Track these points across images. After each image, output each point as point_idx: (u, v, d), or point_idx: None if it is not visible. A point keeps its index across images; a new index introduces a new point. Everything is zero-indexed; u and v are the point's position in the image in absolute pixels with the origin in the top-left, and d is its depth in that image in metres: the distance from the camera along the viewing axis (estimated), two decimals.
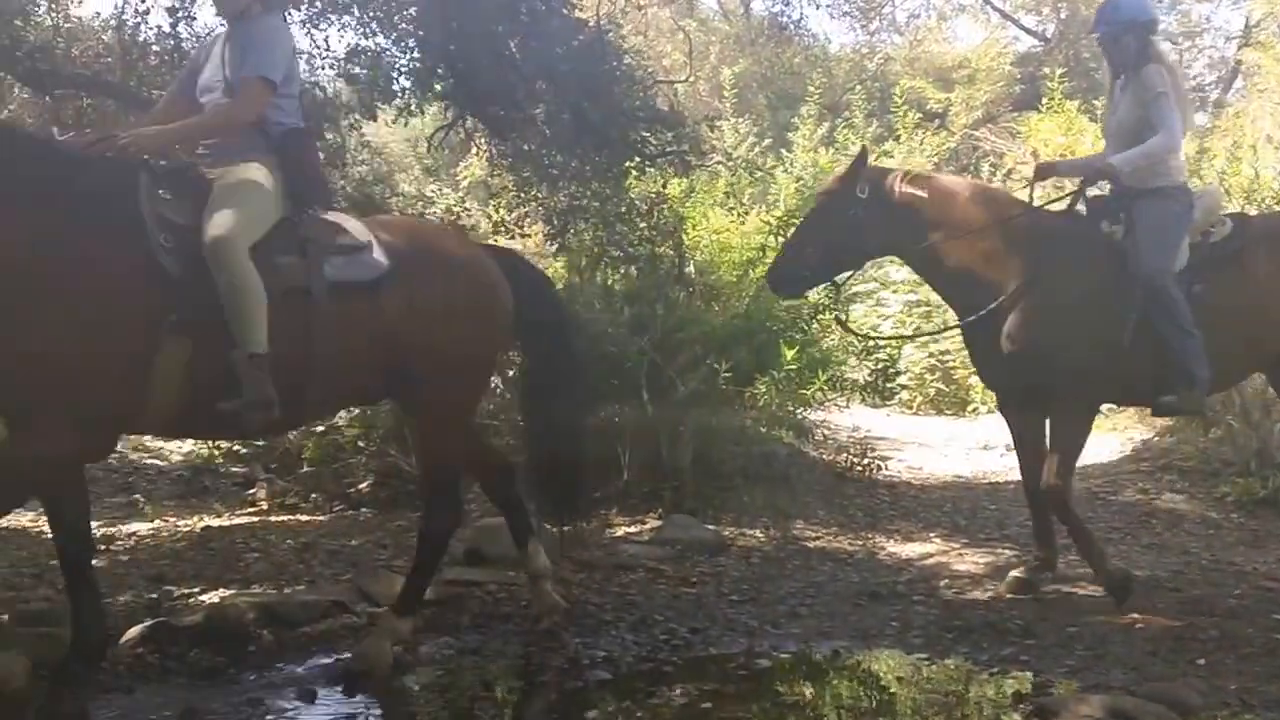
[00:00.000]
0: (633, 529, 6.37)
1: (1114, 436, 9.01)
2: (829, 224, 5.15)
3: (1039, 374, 4.86)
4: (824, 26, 39.20)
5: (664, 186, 9.29)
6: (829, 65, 20.40)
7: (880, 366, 12.23)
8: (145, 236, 3.49)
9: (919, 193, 5.07)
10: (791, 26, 13.61)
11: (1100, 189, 5.06)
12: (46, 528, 6.47)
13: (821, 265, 5.26)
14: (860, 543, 6.29)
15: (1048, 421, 4.98)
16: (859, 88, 19.03)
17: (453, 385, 4.18)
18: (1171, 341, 4.68)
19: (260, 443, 7.44)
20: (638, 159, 8.21)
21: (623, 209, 8.48)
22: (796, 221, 6.46)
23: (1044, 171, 5.40)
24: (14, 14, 7.42)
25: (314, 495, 7.14)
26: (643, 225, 8.67)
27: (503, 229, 9.77)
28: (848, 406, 10.29)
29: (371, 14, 7.75)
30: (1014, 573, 5.19)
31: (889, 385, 12.17)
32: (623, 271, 8.65)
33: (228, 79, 3.93)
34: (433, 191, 12.43)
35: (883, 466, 8.23)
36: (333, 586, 4.96)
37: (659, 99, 9.27)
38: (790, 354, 8.10)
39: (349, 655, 4.09)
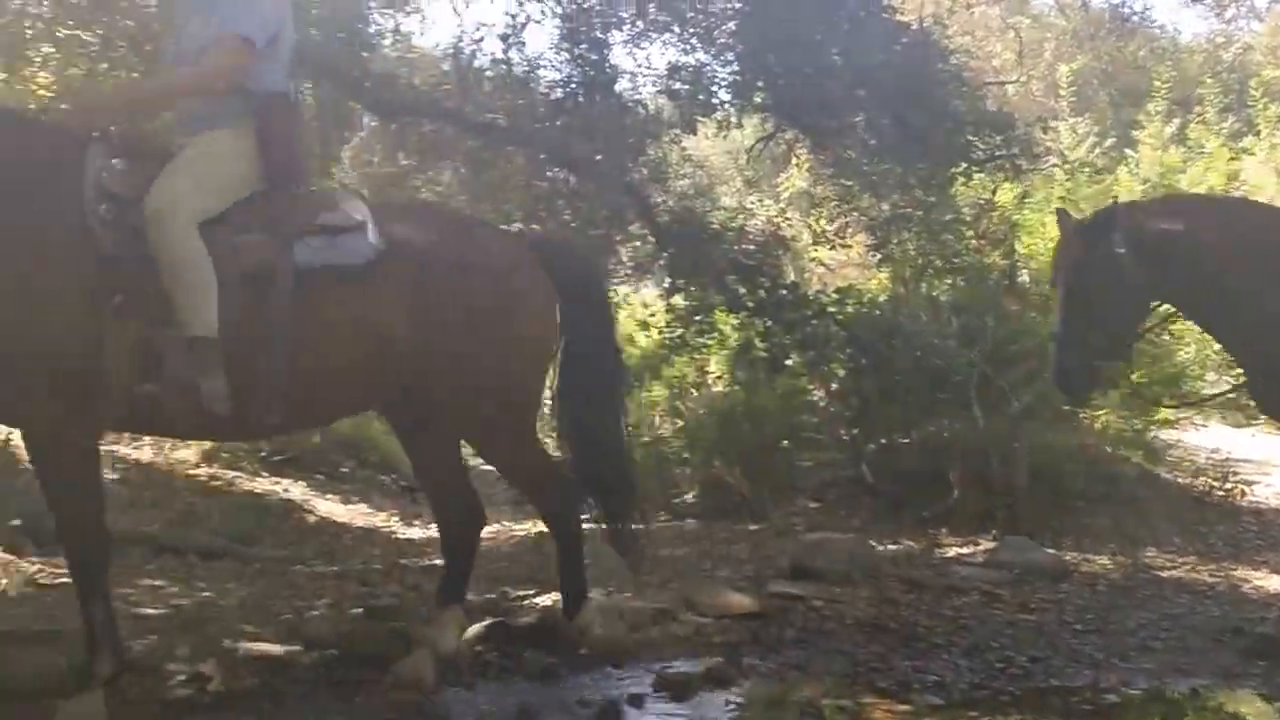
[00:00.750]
0: (965, 550, 6.12)
1: None
2: (1098, 299, 4.36)
3: None
4: (1172, 16, 36.60)
5: (993, 193, 8.91)
6: (1179, 57, 18.92)
7: (1244, 381, 11.12)
8: (82, 209, 3.20)
9: (1173, 226, 4.34)
10: (1135, 17, 12.76)
11: None
12: (396, 527, 7.01)
13: (1110, 347, 4.49)
14: (1221, 574, 5.78)
15: None
16: (1213, 80, 17.57)
17: (487, 399, 3.78)
18: None
19: None
20: (964, 165, 7.90)
21: (948, 217, 8.19)
22: None
23: None
24: (362, 47, 8.05)
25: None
26: (969, 234, 8.35)
27: (824, 240, 9.70)
28: (1205, 425, 9.46)
29: (691, 30, 7.89)
30: None
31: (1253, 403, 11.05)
32: (949, 282, 8.35)
33: (195, 36, 3.56)
34: (753, 203, 12.49)
35: (1247, 491, 7.52)
36: (659, 594, 5.04)
37: (987, 101, 8.89)
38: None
39: (675, 662, 4.10)
